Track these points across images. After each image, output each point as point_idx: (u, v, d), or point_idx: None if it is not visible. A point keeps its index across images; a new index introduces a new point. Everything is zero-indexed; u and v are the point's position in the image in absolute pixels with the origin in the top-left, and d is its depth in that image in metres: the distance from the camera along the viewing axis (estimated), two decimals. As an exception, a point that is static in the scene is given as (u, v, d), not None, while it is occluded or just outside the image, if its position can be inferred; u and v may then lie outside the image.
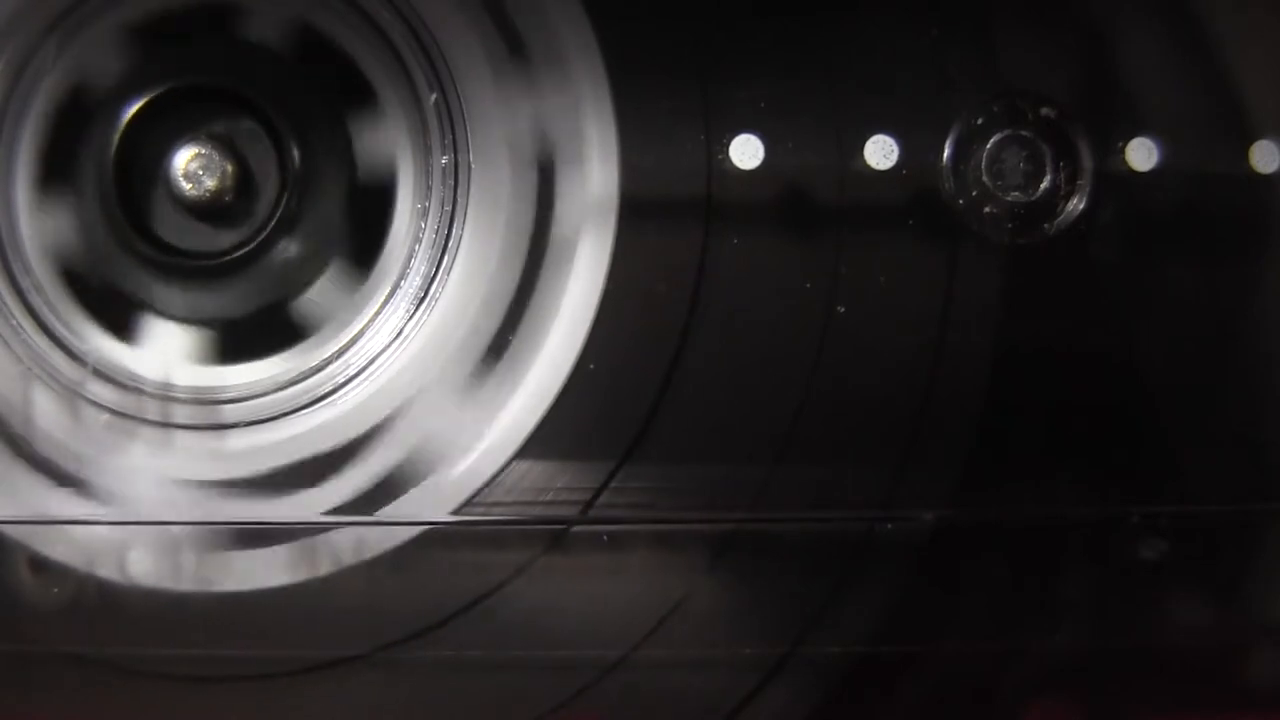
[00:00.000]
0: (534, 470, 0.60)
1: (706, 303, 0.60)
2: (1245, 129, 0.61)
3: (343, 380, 0.61)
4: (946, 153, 0.60)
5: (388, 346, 0.61)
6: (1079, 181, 0.61)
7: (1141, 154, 0.61)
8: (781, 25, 0.60)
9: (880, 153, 0.60)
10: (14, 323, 0.61)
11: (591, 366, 0.60)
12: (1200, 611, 0.63)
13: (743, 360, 0.60)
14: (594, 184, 0.60)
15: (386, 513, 0.60)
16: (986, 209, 0.60)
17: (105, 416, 0.60)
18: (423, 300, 0.61)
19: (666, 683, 0.60)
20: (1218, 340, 0.62)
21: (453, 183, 0.61)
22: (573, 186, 0.60)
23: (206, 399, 0.61)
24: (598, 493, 0.60)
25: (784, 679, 0.61)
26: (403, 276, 0.61)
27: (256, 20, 0.62)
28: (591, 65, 0.60)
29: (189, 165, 0.61)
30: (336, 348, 0.62)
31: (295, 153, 0.62)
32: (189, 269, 0.62)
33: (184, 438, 0.60)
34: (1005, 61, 0.61)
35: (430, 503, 0.60)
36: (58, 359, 0.61)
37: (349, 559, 0.59)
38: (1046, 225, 0.61)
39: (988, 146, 0.60)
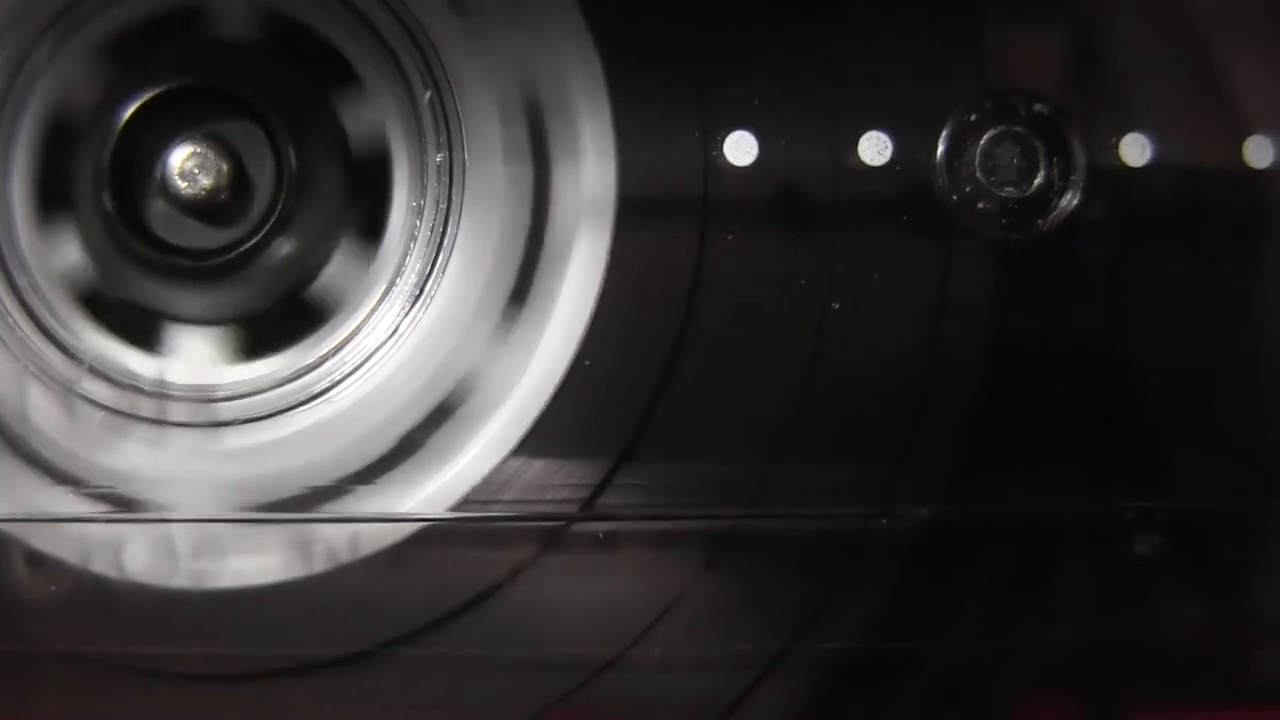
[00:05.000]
0: (531, 468, 0.60)
1: (702, 299, 0.60)
2: (1238, 124, 0.61)
3: (339, 377, 0.61)
4: (940, 149, 0.60)
5: (383, 344, 0.61)
6: (1072, 177, 0.61)
7: (1135, 149, 0.61)
8: (775, 23, 0.60)
9: (874, 149, 0.60)
10: (10, 321, 0.61)
11: (588, 364, 0.60)
12: (1196, 607, 0.63)
13: (739, 357, 0.60)
14: (589, 181, 0.60)
15: (383, 510, 0.60)
16: (980, 205, 0.61)
17: (101, 414, 0.60)
18: (418, 298, 0.61)
19: (663, 680, 0.60)
20: (1212, 335, 0.62)
21: (447, 180, 0.61)
22: (568, 184, 0.60)
23: (202, 396, 0.61)
24: (595, 490, 0.60)
25: (780, 676, 0.61)
26: (398, 274, 0.62)
27: (250, 19, 0.62)
28: (587, 62, 0.60)
29: (184, 164, 0.61)
30: (332, 345, 0.62)
31: (290, 151, 0.62)
32: (186, 268, 0.62)
33: (180, 435, 0.60)
34: (998, 58, 0.61)
35: (427, 500, 0.60)
36: (54, 357, 0.61)
37: (345, 556, 0.59)
38: (1040, 221, 0.61)
39: (981, 143, 0.60)
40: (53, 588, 0.59)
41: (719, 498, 0.60)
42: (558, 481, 0.60)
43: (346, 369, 0.61)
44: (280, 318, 0.62)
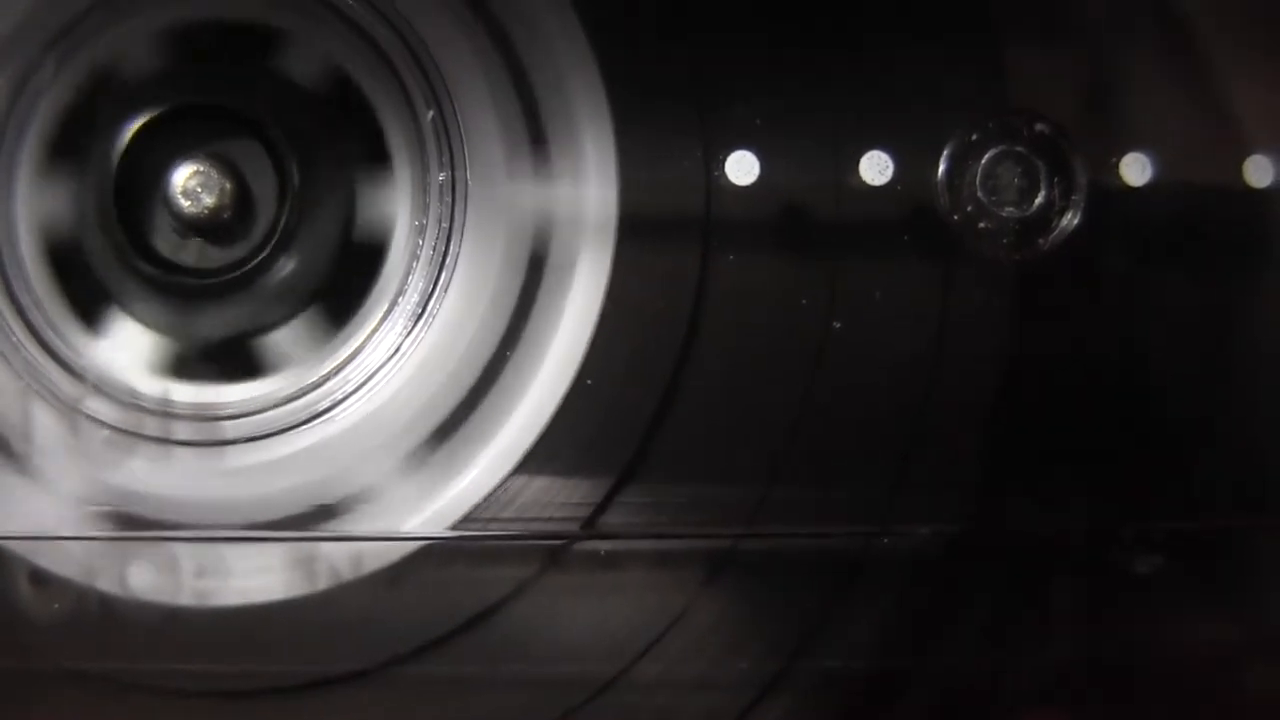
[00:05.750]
0: (532, 486, 0.60)
1: (704, 319, 0.60)
2: (1239, 144, 0.61)
3: (341, 396, 0.61)
4: (941, 168, 0.61)
5: (385, 363, 0.61)
6: (1073, 197, 0.61)
7: (1136, 169, 0.61)
8: (777, 43, 0.60)
9: (875, 169, 0.60)
10: (14, 339, 0.61)
11: (590, 383, 0.60)
12: (1197, 625, 0.63)
13: (740, 376, 0.61)
14: (591, 200, 0.60)
15: (385, 528, 0.60)
16: (981, 224, 0.61)
17: (105, 433, 0.60)
18: (420, 317, 0.61)
19: (664, 699, 0.61)
20: (1213, 354, 0.62)
21: (450, 200, 0.61)
22: (570, 203, 0.60)
23: (206, 415, 0.61)
24: (596, 509, 0.60)
25: (781, 694, 0.61)
26: (400, 293, 0.62)
27: (254, 39, 0.62)
28: (589, 82, 0.60)
29: (188, 183, 0.61)
30: (334, 364, 0.62)
31: (293, 171, 0.62)
32: (188, 286, 0.62)
33: (183, 454, 0.61)
34: (999, 78, 0.61)
35: (429, 519, 0.60)
36: (57, 375, 0.61)
37: (348, 574, 0.60)
38: (1041, 240, 0.61)
39: (982, 162, 0.60)
40: (56, 605, 0.59)
41: (720, 517, 0.60)
42: (559, 500, 0.60)
43: (349, 388, 0.61)
44: (283, 336, 0.62)
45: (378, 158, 0.62)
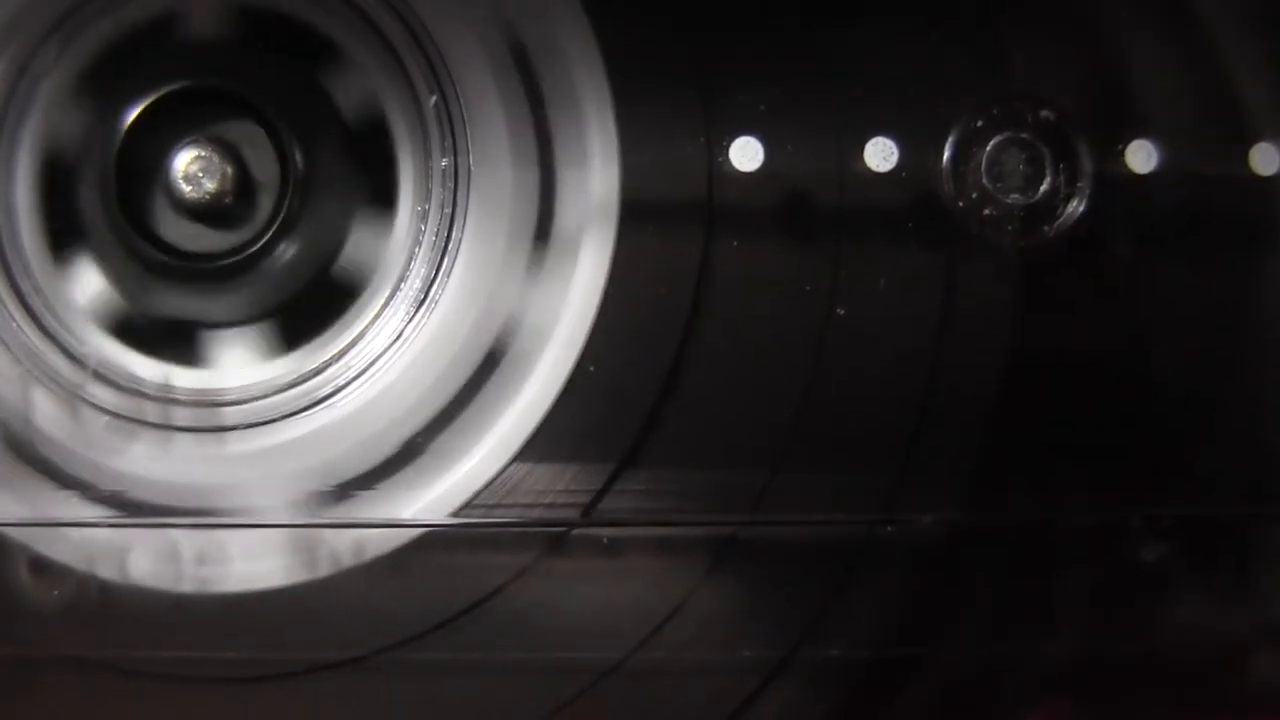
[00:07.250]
0: (534, 473, 0.60)
1: (706, 305, 0.60)
2: (1245, 131, 0.61)
3: (343, 383, 0.61)
4: (946, 155, 0.60)
5: (387, 349, 0.61)
6: (1079, 184, 0.61)
7: (1141, 156, 0.61)
8: (781, 28, 0.60)
9: (880, 155, 0.60)
10: (14, 325, 0.61)
11: (592, 369, 0.60)
12: (1203, 615, 0.62)
13: (743, 362, 0.60)
14: (595, 186, 0.60)
15: (386, 515, 0.60)
16: (986, 211, 0.60)
17: (105, 418, 0.60)
18: (422, 302, 0.61)
19: (666, 686, 0.60)
20: (1219, 342, 0.62)
21: (453, 185, 0.61)
22: (573, 189, 0.60)
23: (207, 401, 0.61)
24: (598, 495, 0.60)
25: (783, 683, 0.61)
26: (402, 279, 0.62)
27: (257, 22, 0.62)
28: (592, 67, 0.60)
29: (189, 167, 0.61)
30: (336, 350, 0.62)
31: (296, 155, 0.62)
32: (190, 271, 0.62)
33: (184, 440, 0.60)
34: (1005, 64, 0.61)
35: (430, 505, 0.60)
36: (58, 361, 0.61)
37: (348, 561, 0.59)
38: (1046, 228, 0.61)
39: (987, 149, 0.60)
40: (56, 592, 0.59)
41: (722, 504, 0.60)
42: (561, 487, 0.60)
43: (351, 374, 0.61)
44: (284, 322, 0.62)
45: (380, 144, 0.62)
